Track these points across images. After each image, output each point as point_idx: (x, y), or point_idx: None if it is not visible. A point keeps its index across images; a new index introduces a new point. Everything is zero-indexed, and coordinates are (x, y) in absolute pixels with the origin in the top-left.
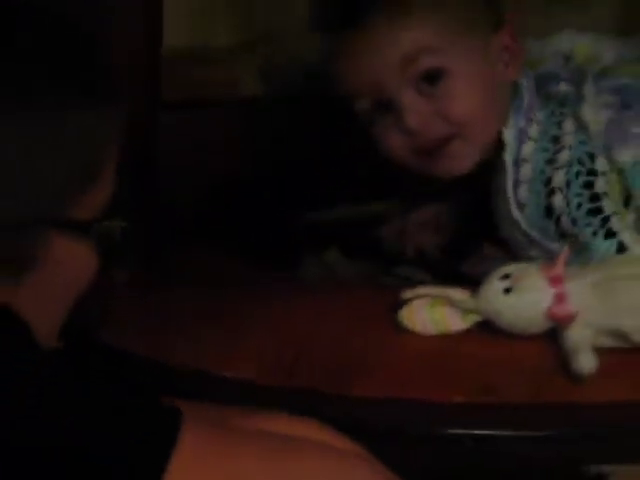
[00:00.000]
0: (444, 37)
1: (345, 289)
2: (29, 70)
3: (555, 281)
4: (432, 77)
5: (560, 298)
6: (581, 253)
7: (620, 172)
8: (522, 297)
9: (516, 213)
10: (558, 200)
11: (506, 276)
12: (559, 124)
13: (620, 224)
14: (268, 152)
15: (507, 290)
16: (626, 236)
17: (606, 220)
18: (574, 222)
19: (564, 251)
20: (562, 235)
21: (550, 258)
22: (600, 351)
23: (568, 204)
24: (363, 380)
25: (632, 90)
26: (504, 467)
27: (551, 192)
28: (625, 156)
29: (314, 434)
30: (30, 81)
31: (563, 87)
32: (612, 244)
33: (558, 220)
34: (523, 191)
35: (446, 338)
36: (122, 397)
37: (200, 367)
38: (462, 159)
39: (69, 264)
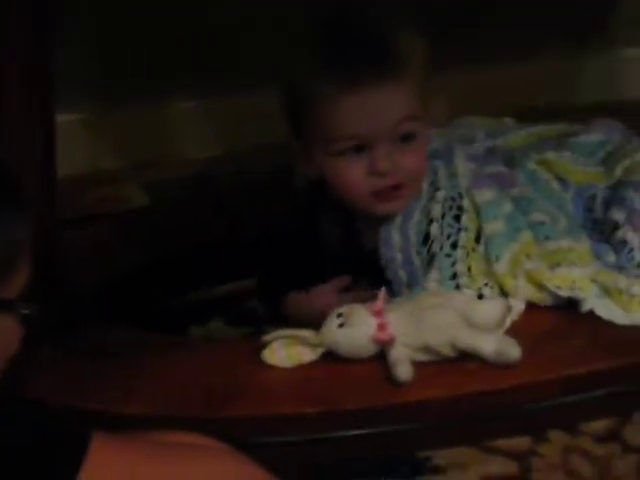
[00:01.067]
0: (419, 106)
1: (223, 343)
2: None
3: (377, 314)
4: (406, 138)
5: (382, 327)
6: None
7: (477, 210)
8: (352, 329)
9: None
10: (434, 228)
11: (340, 314)
12: (435, 172)
13: (463, 255)
14: (154, 249)
15: (341, 325)
16: (460, 267)
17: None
18: (441, 247)
19: (382, 290)
20: (431, 259)
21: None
22: (418, 363)
23: (442, 232)
24: (234, 404)
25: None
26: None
27: (430, 222)
28: (480, 197)
29: (197, 440)
30: None
31: (434, 146)
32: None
33: (431, 245)
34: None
35: (300, 367)
36: (40, 423)
37: (106, 407)
38: (402, 203)
39: None
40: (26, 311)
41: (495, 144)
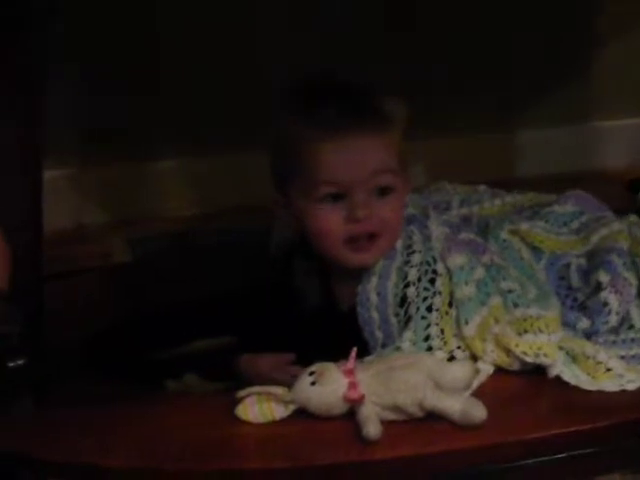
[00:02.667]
0: (397, 163)
1: (198, 397)
2: None
3: (348, 373)
4: (383, 190)
5: (352, 386)
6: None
7: (449, 275)
8: (324, 387)
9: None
10: (411, 291)
11: (312, 372)
12: (410, 237)
13: (436, 318)
14: (135, 304)
15: (313, 383)
16: (434, 330)
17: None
18: (417, 310)
19: (353, 350)
20: (407, 321)
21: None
22: (386, 422)
23: (418, 295)
24: (208, 458)
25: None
26: None
27: (406, 285)
28: (452, 262)
29: None
30: None
31: (410, 211)
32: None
33: (408, 307)
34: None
35: (272, 423)
36: None
37: (84, 459)
38: (375, 255)
39: None
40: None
41: (471, 212)
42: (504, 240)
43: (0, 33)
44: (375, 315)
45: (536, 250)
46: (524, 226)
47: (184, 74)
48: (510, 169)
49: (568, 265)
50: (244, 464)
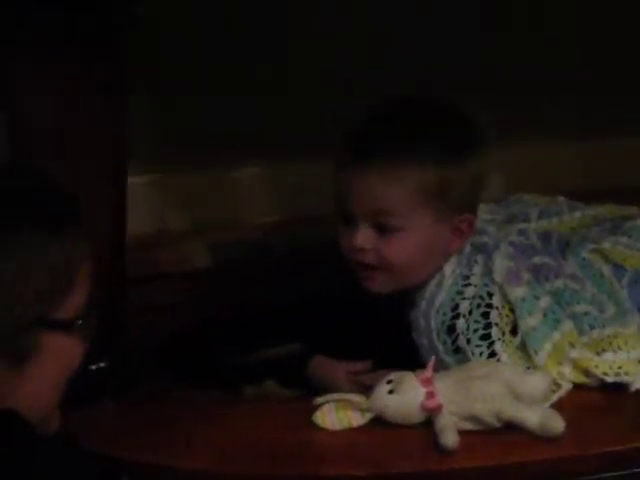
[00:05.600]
0: (408, 203)
1: (276, 403)
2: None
3: (426, 382)
4: (384, 229)
5: (430, 395)
6: None
7: (511, 307)
8: (402, 396)
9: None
10: (460, 323)
11: (390, 381)
12: (470, 267)
13: (501, 348)
14: (214, 308)
15: (391, 391)
16: (504, 357)
17: (492, 344)
18: (468, 341)
19: (432, 359)
20: (456, 350)
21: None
22: (463, 432)
23: (468, 327)
24: (286, 464)
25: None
26: None
27: (456, 316)
28: (513, 294)
29: None
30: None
31: (484, 239)
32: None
33: (456, 338)
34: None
35: (349, 430)
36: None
37: (164, 462)
38: (378, 285)
39: (59, 354)
40: (86, 328)
41: (550, 225)
42: (584, 259)
43: (91, 39)
44: (425, 340)
45: (618, 267)
46: (606, 245)
47: (275, 77)
48: (588, 180)
49: None
50: (322, 470)
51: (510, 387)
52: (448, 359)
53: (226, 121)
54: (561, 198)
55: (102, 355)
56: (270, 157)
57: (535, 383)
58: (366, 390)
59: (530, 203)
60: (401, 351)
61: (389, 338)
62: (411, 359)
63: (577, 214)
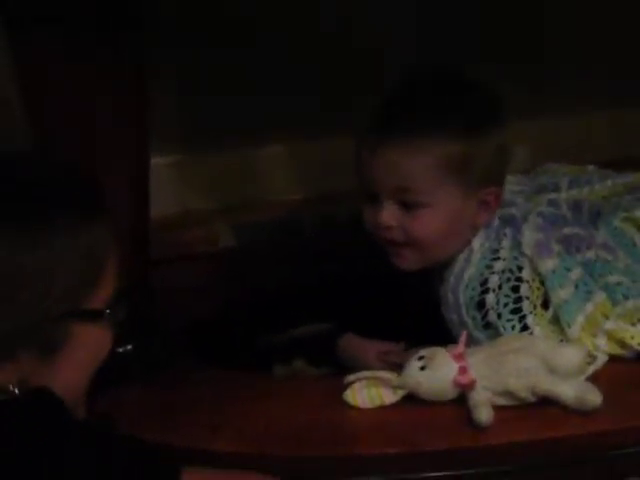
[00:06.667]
0: (432, 179)
1: (306, 383)
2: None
3: (458, 358)
4: (408, 205)
5: (462, 370)
6: None
7: (541, 279)
8: (434, 372)
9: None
10: (490, 298)
11: (421, 357)
12: (499, 241)
13: (533, 322)
14: (240, 289)
15: (422, 368)
16: (537, 330)
17: (523, 317)
18: (499, 316)
19: (464, 334)
20: (486, 325)
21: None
22: (497, 407)
23: (498, 302)
24: (317, 443)
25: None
26: None
27: (485, 291)
28: (544, 266)
29: None
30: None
31: (512, 211)
32: None
33: (486, 313)
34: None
35: (381, 408)
36: (136, 457)
37: (193, 444)
38: (407, 262)
39: (90, 343)
40: (115, 317)
41: (581, 194)
42: (615, 228)
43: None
44: (454, 316)
45: None
46: (638, 213)
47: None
48: (621, 149)
49: None
50: (356, 449)
51: (544, 360)
52: (478, 334)
53: (250, 102)
54: (591, 167)
55: (129, 337)
56: (293, 134)
57: (570, 355)
58: (397, 369)
59: (559, 173)
60: (430, 328)
61: (418, 315)
62: (441, 336)
63: (608, 182)
